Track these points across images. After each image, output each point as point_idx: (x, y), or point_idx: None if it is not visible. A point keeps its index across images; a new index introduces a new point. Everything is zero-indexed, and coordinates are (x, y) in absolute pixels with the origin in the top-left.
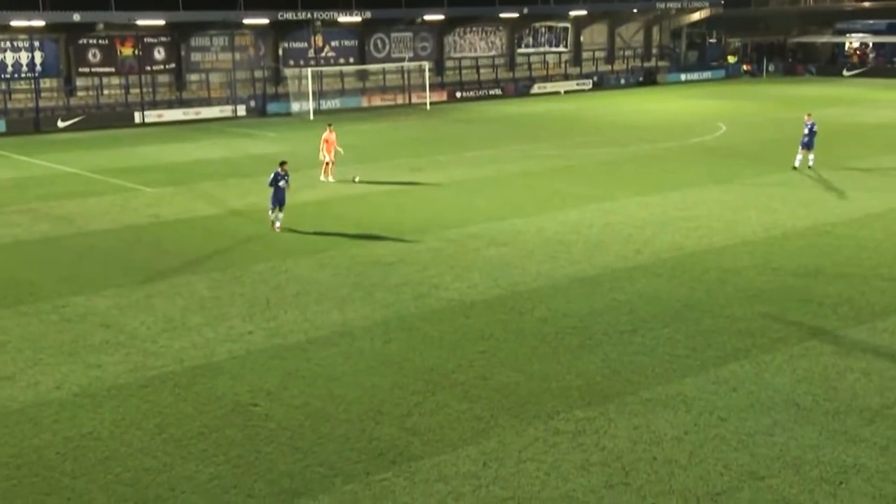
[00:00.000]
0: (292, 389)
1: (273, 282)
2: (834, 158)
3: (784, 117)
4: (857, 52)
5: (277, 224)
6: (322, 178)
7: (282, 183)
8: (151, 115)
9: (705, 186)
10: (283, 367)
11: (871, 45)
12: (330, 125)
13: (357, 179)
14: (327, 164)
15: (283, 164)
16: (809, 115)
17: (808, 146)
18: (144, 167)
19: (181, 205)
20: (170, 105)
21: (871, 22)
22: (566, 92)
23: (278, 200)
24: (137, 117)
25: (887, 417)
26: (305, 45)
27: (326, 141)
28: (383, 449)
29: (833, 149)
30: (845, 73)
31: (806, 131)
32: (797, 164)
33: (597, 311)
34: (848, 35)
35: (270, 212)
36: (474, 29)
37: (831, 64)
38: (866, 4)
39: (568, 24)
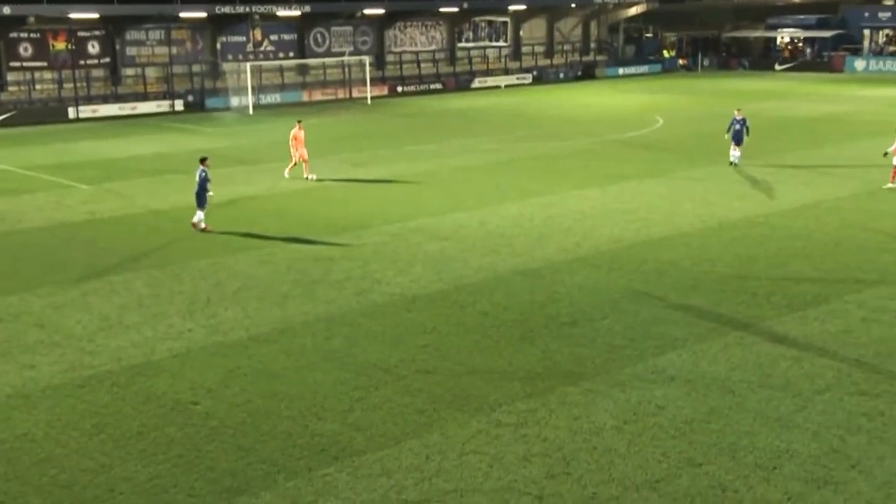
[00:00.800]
0: (233, 387)
1: (213, 279)
2: (766, 151)
3: (719, 111)
4: (789, 46)
5: (201, 225)
6: (302, 175)
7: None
8: (86, 111)
9: (643, 179)
10: (224, 365)
11: (802, 39)
12: (299, 121)
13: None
14: (296, 162)
15: (203, 160)
16: (739, 109)
17: (737, 141)
18: (79, 163)
19: (118, 202)
20: (105, 100)
21: (801, 17)
22: (506, 86)
23: (201, 200)
24: (71, 113)
25: (818, 403)
26: (244, 39)
27: (295, 138)
28: (326, 444)
29: (766, 142)
30: (777, 67)
31: (737, 126)
32: (733, 159)
33: (538, 303)
34: (779, 30)
35: (200, 212)
36: (415, 23)
37: (764, 58)
38: (797, 0)
39: (507, 19)
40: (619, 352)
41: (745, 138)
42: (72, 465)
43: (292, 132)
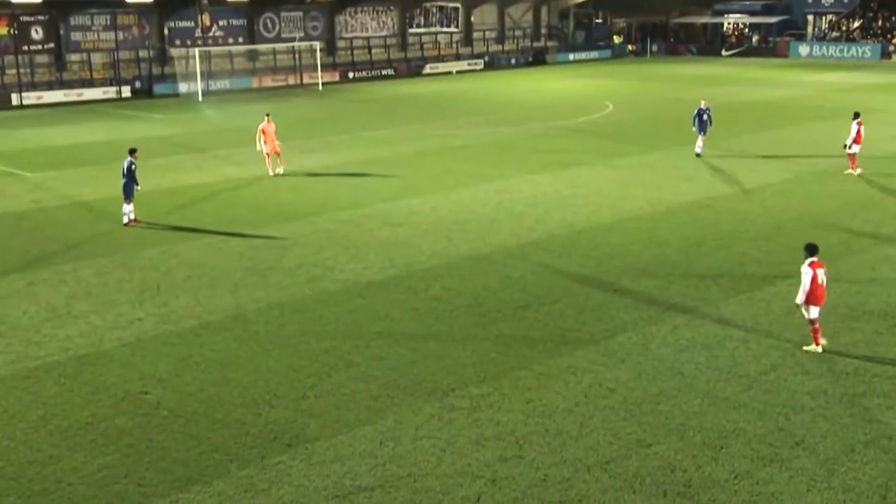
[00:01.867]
0: (185, 376)
1: (163, 267)
2: (714, 136)
3: (668, 96)
4: (735, 32)
5: (131, 217)
6: (270, 172)
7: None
8: (30, 97)
9: (594, 164)
10: (176, 354)
11: (747, 25)
12: (268, 115)
13: (279, 172)
14: (268, 154)
15: (133, 151)
16: (704, 101)
17: (702, 130)
18: (24, 151)
19: (64, 190)
20: (50, 86)
21: (747, 3)
22: (458, 72)
23: (130, 192)
24: (15, 99)
25: (764, 383)
26: (192, 24)
27: (263, 131)
28: (279, 432)
29: (713, 127)
30: (724, 52)
31: (705, 117)
32: (699, 150)
33: (490, 288)
34: (726, 16)
35: (126, 205)
36: (365, 9)
37: (711, 44)
38: None
39: (458, 5)
40: (570, 335)
41: (708, 128)
42: (19, 457)
43: (260, 126)
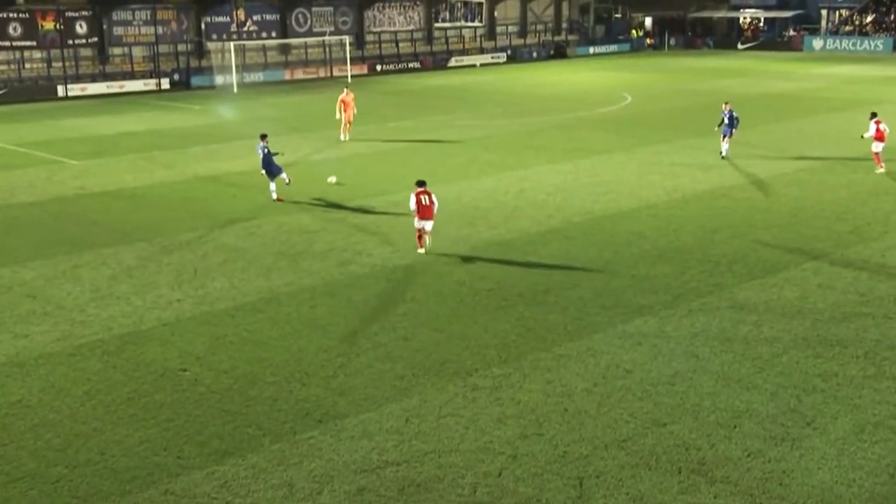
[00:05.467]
0: (220, 354)
1: (200, 251)
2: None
3: (685, 88)
4: (751, 26)
5: (274, 194)
6: (341, 137)
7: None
8: (75, 89)
9: (613, 154)
10: (212, 333)
11: (762, 19)
12: (347, 87)
13: (332, 181)
14: (345, 124)
15: (264, 136)
16: (727, 103)
17: (727, 134)
18: (69, 140)
19: (107, 176)
20: (93, 78)
21: None
22: (482, 65)
23: (273, 171)
24: (60, 91)
25: (776, 365)
26: (228, 19)
27: (343, 102)
28: (310, 409)
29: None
30: (740, 46)
31: (726, 120)
32: (724, 153)
33: (512, 273)
34: (742, 10)
35: (273, 183)
36: (393, 4)
37: (727, 38)
38: None
39: (482, 0)
40: (589, 318)
41: (735, 131)
42: (65, 430)
43: (340, 97)
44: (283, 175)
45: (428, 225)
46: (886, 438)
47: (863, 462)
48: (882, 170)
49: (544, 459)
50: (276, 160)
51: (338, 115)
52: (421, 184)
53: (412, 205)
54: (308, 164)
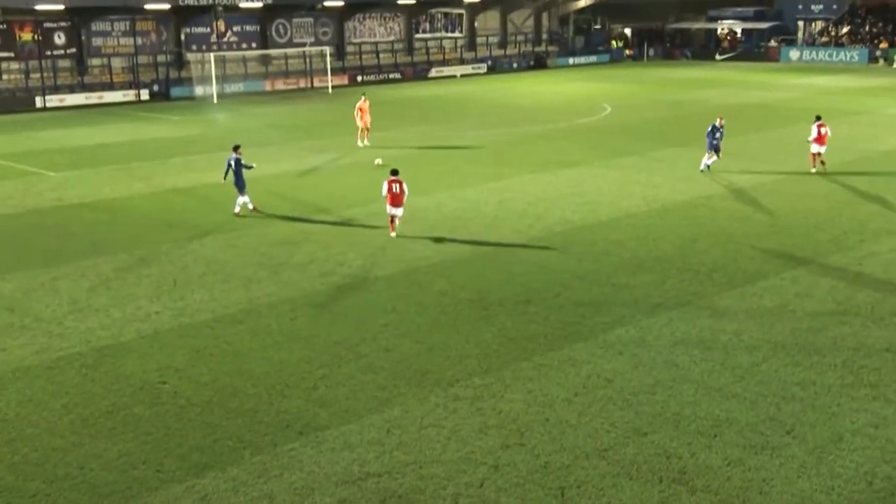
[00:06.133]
0: (200, 367)
1: (179, 263)
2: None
3: (664, 99)
4: (728, 37)
5: (238, 208)
6: (359, 143)
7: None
8: (53, 100)
9: (592, 164)
10: (191, 346)
11: (740, 31)
12: (364, 94)
13: (378, 162)
14: (362, 130)
15: (237, 148)
16: (721, 117)
17: (715, 148)
18: (47, 151)
19: (85, 188)
20: (72, 89)
21: (740, 9)
22: (462, 76)
23: (241, 184)
24: (39, 102)
25: (756, 374)
26: (208, 30)
27: (360, 109)
28: (290, 421)
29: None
30: (717, 57)
31: (718, 135)
32: (709, 163)
33: (493, 283)
34: (720, 21)
35: (240, 197)
36: (373, 15)
37: (705, 49)
38: None
39: (462, 11)
40: (570, 328)
41: (719, 144)
42: (43, 444)
43: (357, 104)
44: (246, 198)
45: (399, 211)
46: (864, 446)
47: (841, 470)
48: (814, 170)
49: (526, 469)
50: (246, 174)
51: (358, 123)
52: (394, 172)
53: (384, 191)
54: (288, 174)
